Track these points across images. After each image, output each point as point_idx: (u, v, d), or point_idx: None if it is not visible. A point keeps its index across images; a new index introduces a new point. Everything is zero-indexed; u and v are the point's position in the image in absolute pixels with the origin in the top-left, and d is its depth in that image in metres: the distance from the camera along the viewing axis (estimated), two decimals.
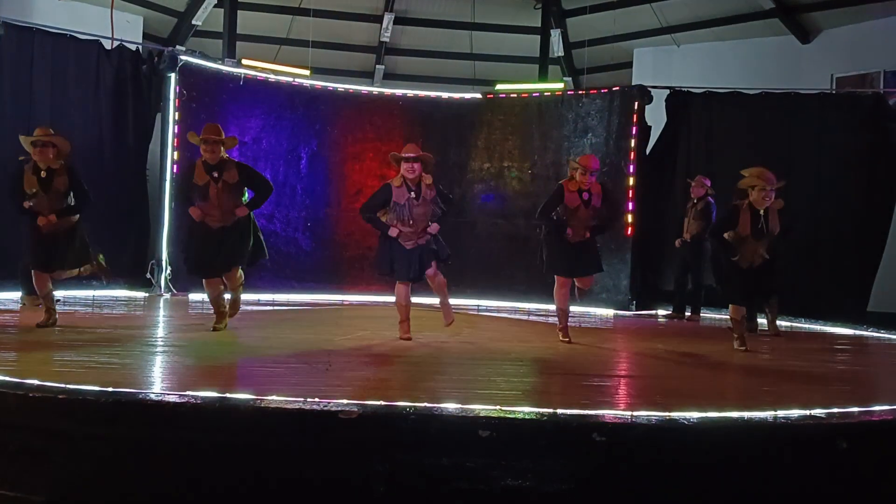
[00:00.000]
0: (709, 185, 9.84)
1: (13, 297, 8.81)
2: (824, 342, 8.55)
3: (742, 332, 7.33)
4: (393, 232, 6.96)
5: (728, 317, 7.54)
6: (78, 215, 7.09)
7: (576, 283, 7.45)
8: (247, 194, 7.32)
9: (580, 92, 12.46)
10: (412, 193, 6.95)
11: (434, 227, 7.04)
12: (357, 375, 5.54)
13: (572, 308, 7.73)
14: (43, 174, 6.87)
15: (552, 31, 14.56)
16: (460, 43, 15.64)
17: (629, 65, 14.82)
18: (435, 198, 7.04)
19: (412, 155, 6.98)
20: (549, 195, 7.44)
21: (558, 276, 7.37)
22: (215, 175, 6.95)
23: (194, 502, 3.78)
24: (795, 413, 4.19)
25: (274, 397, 4.06)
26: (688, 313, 10.16)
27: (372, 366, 6.01)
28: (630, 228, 10.91)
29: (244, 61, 11.66)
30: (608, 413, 4.17)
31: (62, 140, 7.01)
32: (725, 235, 7.17)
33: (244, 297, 9.51)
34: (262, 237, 7.39)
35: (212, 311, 7.35)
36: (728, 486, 3.80)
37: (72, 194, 7.01)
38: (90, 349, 5.91)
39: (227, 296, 7.36)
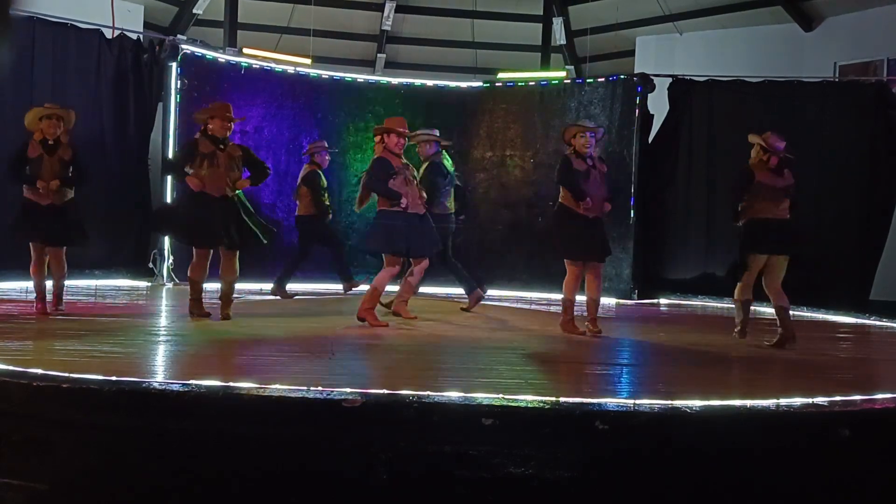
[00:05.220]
0: None
1: (17, 286, 8.81)
2: (826, 330, 8.55)
3: (744, 319, 7.00)
4: (403, 203, 7.20)
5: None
6: (74, 192, 7.21)
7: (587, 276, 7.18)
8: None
9: (583, 80, 12.42)
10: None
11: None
12: (360, 364, 5.56)
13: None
14: (50, 142, 7.12)
15: (554, 20, 14.51)
16: (462, 31, 15.59)
17: (631, 53, 14.76)
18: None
19: (402, 129, 7.44)
20: (559, 165, 7.35)
21: (571, 264, 7.12)
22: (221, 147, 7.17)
23: (198, 491, 3.79)
24: (798, 401, 4.19)
25: (277, 386, 4.07)
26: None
27: (375, 354, 6.02)
28: (632, 217, 10.89)
29: (245, 50, 11.63)
30: (611, 401, 4.18)
31: (65, 112, 7.33)
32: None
33: (245, 286, 9.56)
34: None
35: (214, 301, 7.35)
36: (730, 475, 3.81)
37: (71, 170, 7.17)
38: (93, 338, 5.92)
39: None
